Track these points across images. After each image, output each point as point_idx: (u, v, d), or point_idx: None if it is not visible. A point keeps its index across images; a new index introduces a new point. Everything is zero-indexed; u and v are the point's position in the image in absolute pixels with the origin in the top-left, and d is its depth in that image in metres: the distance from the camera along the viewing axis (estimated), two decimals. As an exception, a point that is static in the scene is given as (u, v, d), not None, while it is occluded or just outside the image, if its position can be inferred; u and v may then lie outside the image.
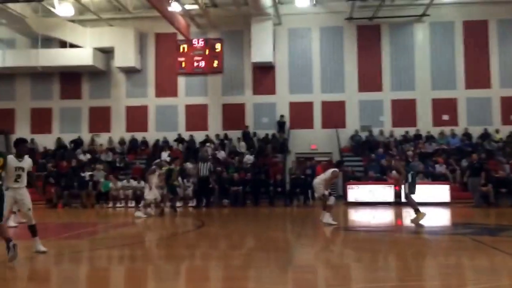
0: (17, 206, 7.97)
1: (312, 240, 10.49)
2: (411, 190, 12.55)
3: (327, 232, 11.37)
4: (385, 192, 18.73)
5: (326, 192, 12.27)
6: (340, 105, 24.18)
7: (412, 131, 23.41)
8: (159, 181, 15.68)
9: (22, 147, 8.14)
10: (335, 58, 24.42)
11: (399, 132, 23.46)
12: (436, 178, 19.68)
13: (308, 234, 11.19)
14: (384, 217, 15.44)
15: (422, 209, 12.37)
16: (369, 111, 24.07)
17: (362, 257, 7.99)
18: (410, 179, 12.58)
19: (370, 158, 21.53)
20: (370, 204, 18.27)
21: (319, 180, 12.45)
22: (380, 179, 19.78)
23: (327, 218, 11.95)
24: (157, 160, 17.84)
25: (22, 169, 7.94)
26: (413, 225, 12.01)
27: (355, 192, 18.95)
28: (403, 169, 12.78)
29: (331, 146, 23.43)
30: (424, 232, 11.51)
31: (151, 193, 15.37)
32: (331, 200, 12.20)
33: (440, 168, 20.26)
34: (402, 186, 13.00)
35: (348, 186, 19.14)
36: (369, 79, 24.13)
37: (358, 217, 15.53)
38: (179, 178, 18.80)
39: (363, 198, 18.69)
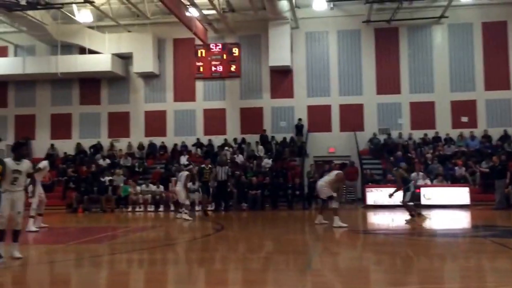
0: (10, 208, 7.90)
1: (331, 243, 10.47)
2: (410, 198, 12.94)
3: (346, 235, 11.33)
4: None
5: (334, 194, 12.27)
6: (358, 108, 24.09)
7: (431, 133, 23.21)
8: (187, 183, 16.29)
9: (21, 151, 8.24)
10: (352, 61, 24.35)
11: (418, 134, 23.29)
12: (455, 181, 19.49)
13: (327, 237, 11.16)
14: (403, 220, 15.27)
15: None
16: (388, 113, 23.93)
17: (381, 260, 7.96)
18: (412, 189, 12.92)
19: (389, 161, 21.39)
20: (389, 207, 18.13)
21: (322, 182, 12.46)
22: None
23: (336, 221, 11.93)
24: (190, 166, 18.51)
25: (19, 172, 8.01)
26: (415, 226, 12.20)
27: (374, 195, 18.84)
28: (400, 180, 13.07)
29: (349, 149, 23.32)
30: (444, 234, 11.39)
31: (188, 199, 16.08)
32: (335, 204, 12.20)
33: (460, 171, 20.04)
34: (402, 193, 13.18)
35: (367, 189, 19.05)
36: (387, 82, 24.01)
37: (377, 220, 15.45)
38: (197, 183, 18.94)
39: (382, 201, 18.55)
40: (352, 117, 23.95)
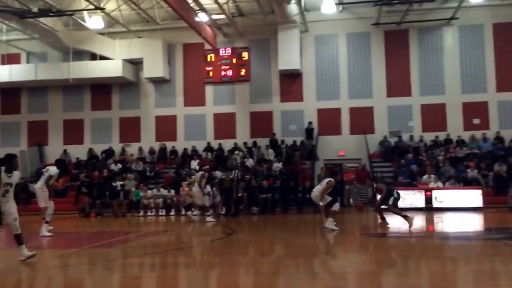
0: (4, 218, 8.07)
1: (343, 247, 10.45)
2: (394, 203, 13.28)
3: (357, 238, 11.30)
4: (415, 198, 18.47)
5: (321, 203, 12.63)
6: (368, 110, 24.02)
7: (442, 135, 23.08)
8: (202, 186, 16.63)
9: (12, 163, 8.27)
10: (362, 63, 24.31)
11: (429, 137, 23.17)
12: (467, 183, 19.35)
13: (338, 241, 11.14)
14: (415, 222, 15.18)
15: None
16: (398, 116, 23.84)
17: (393, 263, 7.93)
18: (396, 195, 13.28)
19: (399, 163, 21.30)
20: (401, 209, 18.00)
21: (316, 192, 12.74)
22: (410, 185, 19.54)
23: (329, 223, 12.13)
24: (206, 167, 18.70)
25: (10, 184, 8.10)
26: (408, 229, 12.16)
27: (385, 198, 18.71)
28: (385, 190, 13.37)
29: (359, 152, 23.25)
30: (457, 237, 11.32)
31: (206, 199, 16.69)
32: (335, 206, 12.45)
33: (472, 173, 19.90)
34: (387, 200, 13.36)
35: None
36: (398, 84, 23.93)
37: (388, 223, 15.33)
38: (208, 186, 19.09)
39: (393, 204, 18.45)
40: (362, 120, 23.89)
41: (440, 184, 19.15)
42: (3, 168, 8.18)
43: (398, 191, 13.81)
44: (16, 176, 8.26)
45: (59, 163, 13.61)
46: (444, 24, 23.75)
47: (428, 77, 23.81)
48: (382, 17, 23.47)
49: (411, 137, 23.29)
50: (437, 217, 15.96)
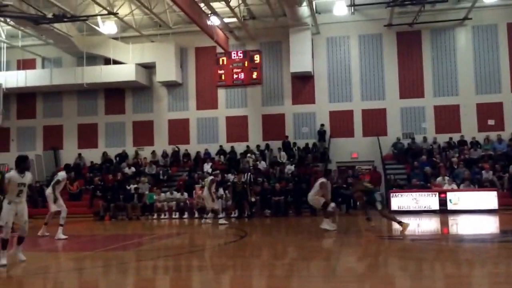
0: (16, 218, 8.39)
1: (356, 249, 10.41)
2: (381, 206, 13.00)
3: (371, 240, 11.25)
4: (429, 200, 18.34)
5: (332, 205, 12.72)
6: (381, 112, 23.92)
7: (456, 137, 22.88)
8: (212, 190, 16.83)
9: (24, 164, 8.64)
10: (374, 65, 24.22)
11: (442, 138, 22.99)
12: (482, 185, 19.16)
13: (351, 243, 11.11)
14: (429, 225, 15.12)
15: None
16: (411, 118, 23.71)
17: (407, 266, 7.89)
18: (378, 198, 12.88)
19: (413, 165, 21.16)
20: (415, 212, 17.95)
21: (311, 197, 12.80)
22: (424, 187, 19.41)
23: (324, 224, 12.23)
24: (217, 171, 19.04)
25: (24, 184, 8.45)
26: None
27: (399, 200, 18.64)
28: (362, 188, 13.18)
29: (372, 154, 23.14)
30: (472, 240, 11.22)
31: (216, 203, 16.84)
32: (330, 207, 12.53)
33: (487, 175, 19.70)
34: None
35: (392, 194, 18.86)
36: (411, 86, 23.80)
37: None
38: (221, 189, 19.20)
39: (407, 206, 18.37)
40: (375, 122, 23.80)
41: (454, 186, 18.99)
42: (16, 169, 8.57)
43: (382, 193, 13.49)
44: (28, 176, 8.60)
45: (66, 167, 14.00)
46: (457, 25, 23.58)
47: (442, 78, 23.65)
48: (394, 18, 23.36)
49: (425, 139, 23.14)
50: (451, 220, 15.84)
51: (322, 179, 12.86)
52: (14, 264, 8.44)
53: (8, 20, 22.51)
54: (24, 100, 27.12)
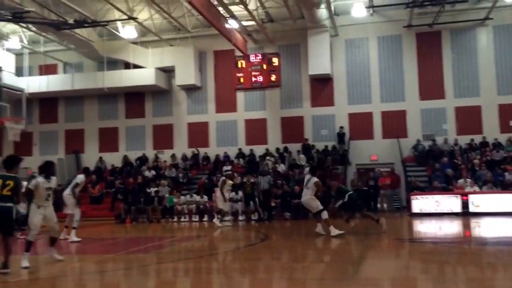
0: (45, 221, 8.73)
1: (377, 252, 10.35)
2: (358, 208, 13.09)
3: (392, 243, 11.17)
4: (451, 202, 18.12)
5: (337, 204, 12.87)
6: (401, 114, 23.73)
7: (478, 138, 22.58)
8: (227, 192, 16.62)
9: (51, 170, 9.09)
10: (394, 67, 24.05)
11: (464, 140, 22.70)
12: (505, 187, 18.85)
13: (372, 246, 11.04)
14: (451, 228, 14.94)
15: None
16: (432, 119, 23.47)
17: (429, 269, 7.81)
18: (346, 199, 12.90)
19: (434, 167, 20.94)
20: (436, 215, 17.75)
21: (307, 199, 12.64)
22: (445, 189, 19.19)
23: (332, 231, 11.99)
24: (229, 172, 18.90)
25: (51, 189, 8.84)
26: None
27: (420, 203, 18.45)
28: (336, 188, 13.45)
29: (392, 156, 22.98)
30: (495, 243, 11.06)
31: (226, 205, 16.98)
32: (325, 215, 12.42)
33: (509, 177, 19.38)
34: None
35: (412, 197, 18.69)
36: (431, 87, 23.57)
37: (423, 228, 15.12)
38: (240, 192, 19.25)
39: (428, 209, 18.17)
40: (395, 124, 23.61)
41: (476, 188, 18.74)
42: (42, 174, 8.94)
43: (352, 195, 13.22)
44: (54, 181, 8.99)
45: (85, 171, 14.30)
46: (477, 25, 23.29)
47: (462, 79, 23.38)
48: (413, 19, 23.18)
49: (446, 140, 22.88)
50: (474, 222, 15.63)
51: (314, 178, 12.65)
52: (39, 267, 8.61)
53: (30, 26, 22.94)
54: (46, 105, 27.59)
